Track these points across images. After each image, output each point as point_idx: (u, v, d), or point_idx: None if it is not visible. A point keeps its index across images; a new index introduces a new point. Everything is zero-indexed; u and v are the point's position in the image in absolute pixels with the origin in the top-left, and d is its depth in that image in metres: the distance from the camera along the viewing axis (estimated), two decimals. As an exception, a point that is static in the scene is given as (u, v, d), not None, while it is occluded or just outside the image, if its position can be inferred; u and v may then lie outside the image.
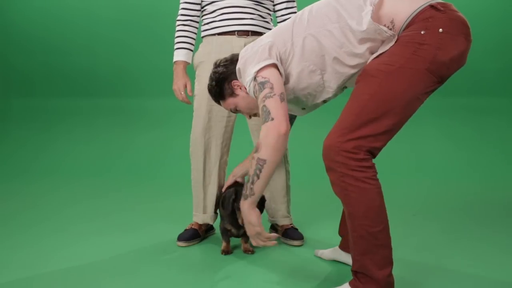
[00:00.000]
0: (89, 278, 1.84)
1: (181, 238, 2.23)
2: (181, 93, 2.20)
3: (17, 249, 2.17)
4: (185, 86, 2.21)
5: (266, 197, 2.28)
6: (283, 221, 2.30)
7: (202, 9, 2.24)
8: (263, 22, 2.21)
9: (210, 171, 2.23)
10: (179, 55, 2.22)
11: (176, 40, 2.24)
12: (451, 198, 3.08)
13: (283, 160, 2.26)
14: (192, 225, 2.30)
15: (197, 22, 2.30)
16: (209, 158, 2.22)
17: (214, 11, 2.17)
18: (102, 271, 1.91)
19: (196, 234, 2.26)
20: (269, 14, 2.27)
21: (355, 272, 1.57)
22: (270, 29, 2.25)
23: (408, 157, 3.87)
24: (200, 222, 2.29)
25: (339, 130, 1.49)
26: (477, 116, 4.13)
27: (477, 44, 4.11)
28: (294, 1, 2.32)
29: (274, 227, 2.39)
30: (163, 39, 4.16)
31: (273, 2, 2.27)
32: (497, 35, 4.11)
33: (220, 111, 2.20)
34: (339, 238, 2.21)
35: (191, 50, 2.26)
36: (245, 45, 2.14)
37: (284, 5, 2.29)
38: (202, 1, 2.23)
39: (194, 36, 2.28)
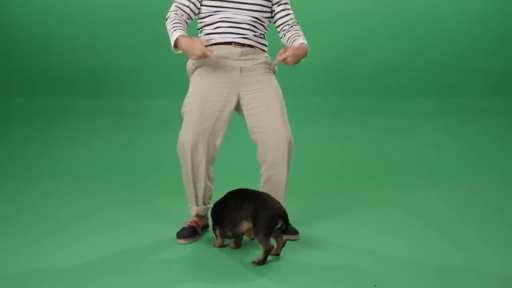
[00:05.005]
0: (89, 278, 1.92)
1: (180, 235, 2.32)
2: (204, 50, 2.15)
3: (17, 249, 2.25)
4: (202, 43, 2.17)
5: (266, 190, 2.36)
6: None
7: (201, 21, 2.33)
8: (259, 39, 2.37)
9: (197, 165, 2.28)
10: (179, 32, 2.23)
11: (172, 26, 2.27)
12: (451, 198, 3.13)
13: (287, 156, 2.31)
14: (190, 222, 2.39)
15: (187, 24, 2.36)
16: (196, 152, 2.25)
17: (212, 23, 2.26)
18: (102, 270, 1.99)
19: (195, 231, 2.36)
20: (265, 34, 2.41)
21: None
22: (265, 45, 2.40)
23: (408, 157, 3.93)
24: (193, 214, 2.37)
25: None
26: (478, 116, 4.19)
27: (478, 44, 4.20)
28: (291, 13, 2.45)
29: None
30: (163, 40, 4.21)
31: (269, 21, 2.41)
32: (497, 35, 4.17)
33: (213, 106, 2.26)
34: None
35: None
36: (241, 53, 2.25)
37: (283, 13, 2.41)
38: (200, 12, 2.31)
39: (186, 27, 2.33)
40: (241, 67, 2.30)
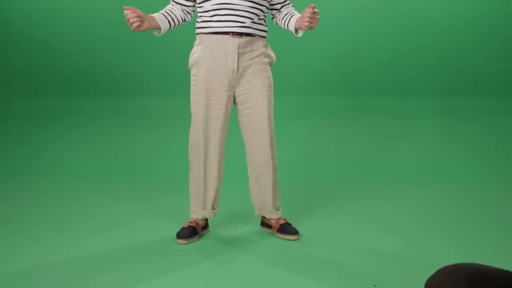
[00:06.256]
0: (89, 277, 1.92)
1: (181, 236, 2.33)
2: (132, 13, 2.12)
3: (17, 249, 2.26)
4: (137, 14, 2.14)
5: (255, 191, 2.45)
6: (271, 215, 2.45)
7: (199, 5, 2.30)
8: (258, 25, 2.33)
9: (210, 168, 2.36)
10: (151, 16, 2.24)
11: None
12: (451, 198, 3.14)
13: (271, 156, 2.38)
14: (190, 222, 2.40)
15: (189, 13, 2.36)
16: (209, 156, 2.34)
17: (210, 10, 2.24)
18: (102, 270, 2.00)
19: (195, 231, 2.38)
20: (265, 16, 2.38)
21: None
22: (265, 30, 2.35)
23: (408, 157, 3.94)
24: (200, 218, 2.39)
25: None
26: (478, 116, 4.19)
27: (479, 44, 4.20)
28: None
29: (266, 224, 2.48)
30: (163, 39, 4.25)
31: (269, 2, 2.34)
32: (498, 35, 4.17)
33: (218, 109, 2.30)
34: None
35: (166, 18, 2.29)
36: (239, 45, 2.23)
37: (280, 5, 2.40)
38: None
39: (177, 15, 2.33)
40: (238, 68, 2.28)
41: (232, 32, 2.25)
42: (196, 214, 2.42)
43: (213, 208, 2.44)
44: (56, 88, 4.48)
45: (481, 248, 2.24)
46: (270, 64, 2.43)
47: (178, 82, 4.15)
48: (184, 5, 2.35)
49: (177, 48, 4.07)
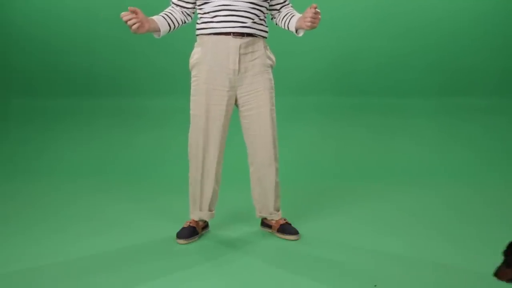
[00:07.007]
0: (89, 277, 1.93)
1: (181, 235, 2.34)
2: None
3: (18, 249, 2.26)
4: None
5: (257, 192, 2.45)
6: (272, 216, 2.46)
7: (199, 7, 2.30)
8: (259, 25, 2.33)
9: (208, 169, 2.36)
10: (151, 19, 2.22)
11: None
12: (451, 198, 3.14)
13: (274, 158, 2.39)
14: (190, 222, 2.40)
15: (189, 15, 2.36)
16: (208, 156, 2.34)
17: (211, 12, 2.24)
18: (102, 270, 2.01)
19: (195, 232, 2.38)
20: (265, 16, 2.39)
21: None
22: (266, 31, 2.35)
23: (408, 157, 3.93)
24: (196, 219, 2.40)
25: None
26: (478, 116, 4.19)
27: (479, 44, 4.20)
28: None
29: (266, 224, 2.49)
30: (163, 39, 4.24)
31: (269, 3, 2.34)
32: (499, 34, 4.17)
33: (218, 110, 2.30)
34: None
35: (165, 20, 2.28)
36: (240, 45, 2.23)
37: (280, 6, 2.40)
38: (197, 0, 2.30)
39: (177, 17, 2.33)
40: (239, 69, 2.29)
41: (233, 33, 2.26)
42: (194, 215, 2.43)
43: (210, 210, 2.44)
44: (56, 88, 4.48)
45: (481, 248, 2.24)
46: (271, 66, 2.43)
47: (178, 82, 4.15)
48: (184, 7, 2.35)
49: (177, 48, 4.07)
